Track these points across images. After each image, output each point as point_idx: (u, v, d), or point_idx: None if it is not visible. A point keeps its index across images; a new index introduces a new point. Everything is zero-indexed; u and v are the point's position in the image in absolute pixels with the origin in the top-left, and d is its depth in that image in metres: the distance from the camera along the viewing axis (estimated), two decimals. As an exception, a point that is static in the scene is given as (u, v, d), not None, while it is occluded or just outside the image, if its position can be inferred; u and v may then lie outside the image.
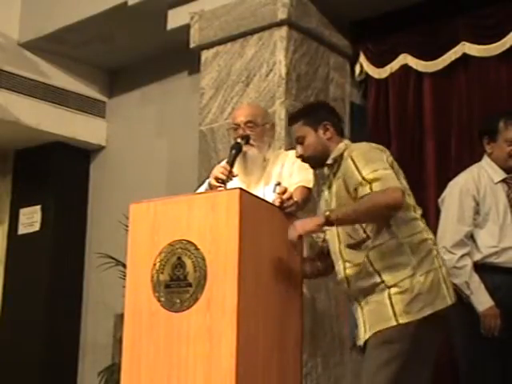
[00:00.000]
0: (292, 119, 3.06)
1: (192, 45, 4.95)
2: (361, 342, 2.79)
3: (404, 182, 2.85)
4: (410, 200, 2.84)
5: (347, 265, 2.82)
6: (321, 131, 2.94)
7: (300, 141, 2.96)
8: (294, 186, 3.20)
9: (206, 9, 4.91)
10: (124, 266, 4.18)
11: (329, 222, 2.73)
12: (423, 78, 4.76)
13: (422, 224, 2.85)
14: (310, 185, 3.27)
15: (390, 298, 2.72)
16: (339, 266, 2.86)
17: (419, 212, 2.86)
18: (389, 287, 2.73)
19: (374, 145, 2.91)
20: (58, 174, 6.13)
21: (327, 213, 2.74)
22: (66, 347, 5.89)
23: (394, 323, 2.69)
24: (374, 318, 2.75)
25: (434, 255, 2.80)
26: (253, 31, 4.69)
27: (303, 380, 3.18)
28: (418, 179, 4.68)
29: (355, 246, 2.81)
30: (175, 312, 2.75)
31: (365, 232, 2.79)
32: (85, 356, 5.92)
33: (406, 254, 2.74)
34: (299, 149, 2.96)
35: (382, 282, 2.74)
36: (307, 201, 3.26)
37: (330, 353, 4.53)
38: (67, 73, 6.00)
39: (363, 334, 2.77)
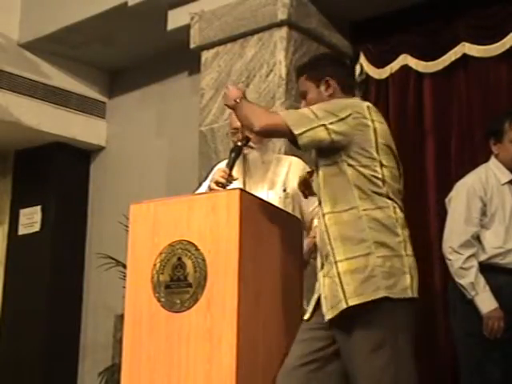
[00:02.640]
0: (297, 73, 2.95)
1: (192, 45, 4.95)
2: (325, 318, 2.59)
3: (370, 147, 2.61)
4: (384, 172, 2.62)
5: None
6: (322, 87, 2.78)
7: (303, 96, 2.85)
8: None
9: (206, 9, 4.91)
10: (124, 266, 4.18)
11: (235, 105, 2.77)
12: (423, 79, 4.76)
13: (391, 201, 2.60)
14: None
15: (339, 277, 2.53)
16: None
17: (388, 188, 2.61)
18: (336, 262, 2.54)
19: (355, 101, 2.76)
20: (58, 175, 6.13)
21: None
22: (66, 348, 5.89)
23: (344, 306, 2.49)
24: (330, 297, 2.56)
25: (401, 240, 2.56)
26: (253, 32, 4.69)
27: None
28: (418, 179, 4.68)
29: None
30: (175, 312, 2.75)
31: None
32: (85, 357, 5.93)
33: (363, 229, 2.53)
34: (302, 104, 2.84)
35: (332, 253, 2.56)
36: None
37: (330, 353, 4.52)
38: (67, 73, 6.00)
39: (326, 311, 2.58)
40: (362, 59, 4.94)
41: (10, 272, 6.14)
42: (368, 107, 2.69)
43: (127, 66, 6.05)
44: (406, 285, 2.51)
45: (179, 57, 5.44)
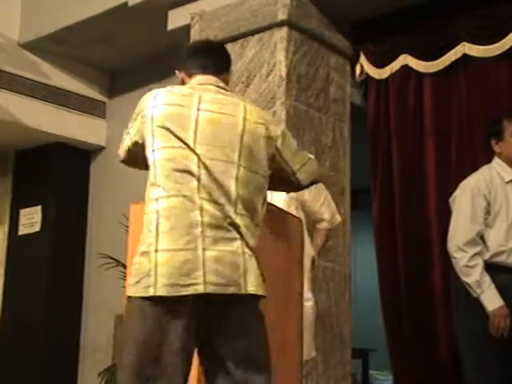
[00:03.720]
0: None
1: (192, 45, 4.95)
2: None
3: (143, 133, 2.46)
4: (155, 157, 2.36)
5: None
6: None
7: None
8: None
9: (206, 9, 4.91)
10: (124, 266, 4.18)
11: None
12: (423, 79, 4.76)
13: (159, 190, 2.31)
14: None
15: None
16: None
17: (159, 173, 2.33)
18: None
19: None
20: (58, 175, 6.14)
21: None
22: (67, 348, 5.89)
23: None
24: None
25: (154, 235, 2.31)
26: (253, 32, 4.69)
27: (303, 380, 3.18)
28: (418, 179, 4.68)
29: None
30: (175, 312, 2.74)
31: None
32: (85, 357, 5.92)
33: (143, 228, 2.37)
34: None
35: None
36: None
37: (330, 353, 4.53)
38: (67, 73, 6.00)
39: None
40: (362, 59, 4.95)
41: (10, 272, 6.14)
42: (156, 94, 2.53)
43: (127, 65, 6.05)
44: (149, 283, 2.27)
45: (179, 57, 5.43)
